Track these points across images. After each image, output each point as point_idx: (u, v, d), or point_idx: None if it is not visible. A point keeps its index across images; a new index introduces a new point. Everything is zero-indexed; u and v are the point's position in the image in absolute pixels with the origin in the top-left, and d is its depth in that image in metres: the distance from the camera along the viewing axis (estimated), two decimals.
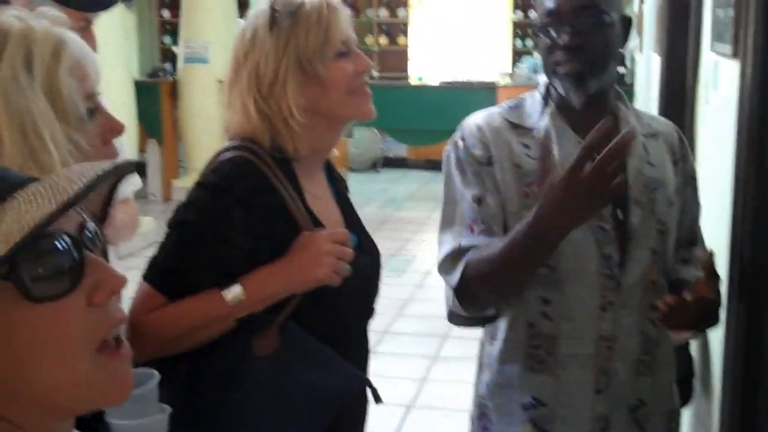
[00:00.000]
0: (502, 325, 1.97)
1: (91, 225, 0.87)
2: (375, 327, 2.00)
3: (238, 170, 1.68)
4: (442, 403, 4.60)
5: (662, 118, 2.18)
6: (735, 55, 2.37)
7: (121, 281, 0.84)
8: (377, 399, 1.81)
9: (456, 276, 1.86)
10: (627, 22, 1.95)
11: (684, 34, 3.66)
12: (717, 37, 2.76)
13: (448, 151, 1.99)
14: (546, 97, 1.99)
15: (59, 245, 0.81)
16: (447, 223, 1.95)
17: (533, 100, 2.01)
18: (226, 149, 1.73)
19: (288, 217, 1.69)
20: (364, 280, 1.82)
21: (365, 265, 1.84)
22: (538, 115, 1.97)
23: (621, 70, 9.31)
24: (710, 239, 2.14)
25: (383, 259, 2.01)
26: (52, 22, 1.33)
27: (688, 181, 2.05)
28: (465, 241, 1.88)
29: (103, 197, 0.94)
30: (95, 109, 1.36)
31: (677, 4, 3.91)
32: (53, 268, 0.80)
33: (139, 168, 0.93)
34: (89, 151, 1.30)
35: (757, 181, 2.12)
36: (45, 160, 1.23)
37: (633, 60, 8.97)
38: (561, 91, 1.93)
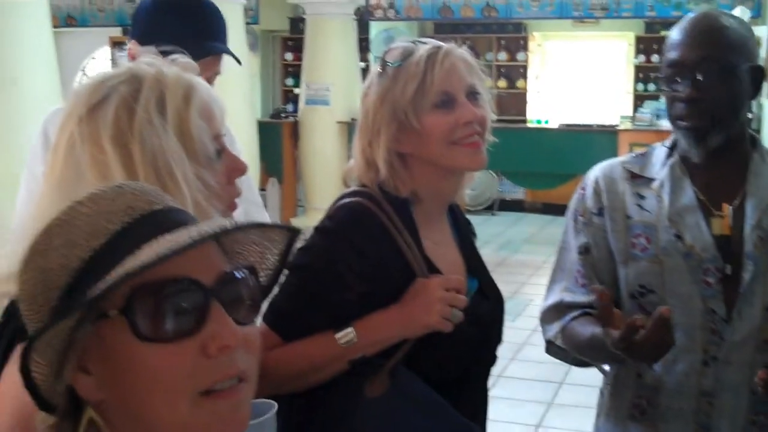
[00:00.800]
0: (611, 371, 2.01)
1: (235, 277, 0.89)
2: None
3: (354, 216, 1.71)
4: None
5: None
6: None
7: (237, 338, 0.86)
8: None
9: (551, 333, 1.98)
10: (758, 73, 1.88)
11: None
12: None
13: (573, 200, 2.04)
14: (672, 147, 1.95)
15: (179, 291, 0.84)
16: (557, 270, 2.04)
17: (660, 150, 1.98)
18: (345, 195, 1.76)
19: (403, 263, 1.71)
20: (483, 325, 1.81)
21: (485, 311, 1.83)
22: (660, 165, 1.94)
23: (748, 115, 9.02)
24: None
25: None
26: (182, 68, 1.39)
27: None
28: (568, 298, 1.96)
29: (274, 256, 0.99)
30: (221, 150, 1.40)
31: None
32: (169, 312, 0.84)
33: (292, 233, 0.98)
34: (216, 189, 1.34)
35: None
36: (177, 198, 1.25)
37: (760, 105, 8.69)
38: (683, 144, 1.91)
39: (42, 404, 0.88)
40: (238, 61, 2.43)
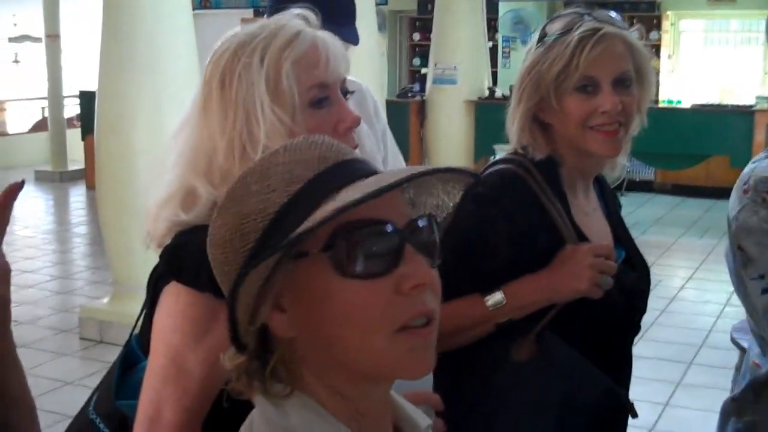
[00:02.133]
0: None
1: (423, 223, 0.96)
2: None
3: (505, 183, 1.74)
4: (684, 429, 4.45)
5: None
6: None
7: (429, 277, 0.93)
8: (633, 414, 1.80)
9: None
10: None
11: None
12: None
13: (751, 211, 1.77)
14: None
15: (378, 232, 0.91)
16: None
17: None
18: (497, 161, 1.80)
19: (552, 229, 1.73)
20: (629, 295, 1.81)
21: (632, 281, 1.83)
22: None
23: None
24: None
25: None
26: (303, 20, 1.48)
27: None
28: None
29: (454, 203, 1.05)
30: (326, 99, 1.46)
31: None
32: (367, 251, 0.90)
33: (473, 179, 1.02)
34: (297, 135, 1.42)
35: None
36: (256, 132, 1.40)
37: None
38: None
39: (237, 343, 0.95)
40: (355, 43, 2.47)
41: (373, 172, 0.96)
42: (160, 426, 1.35)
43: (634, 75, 1.77)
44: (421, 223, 0.95)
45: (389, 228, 0.91)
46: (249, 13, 12.29)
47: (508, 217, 1.70)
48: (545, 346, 1.69)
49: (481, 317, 1.69)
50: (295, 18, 1.49)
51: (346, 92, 1.52)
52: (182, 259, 1.40)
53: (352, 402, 0.97)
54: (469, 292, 1.69)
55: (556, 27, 1.75)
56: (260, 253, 0.91)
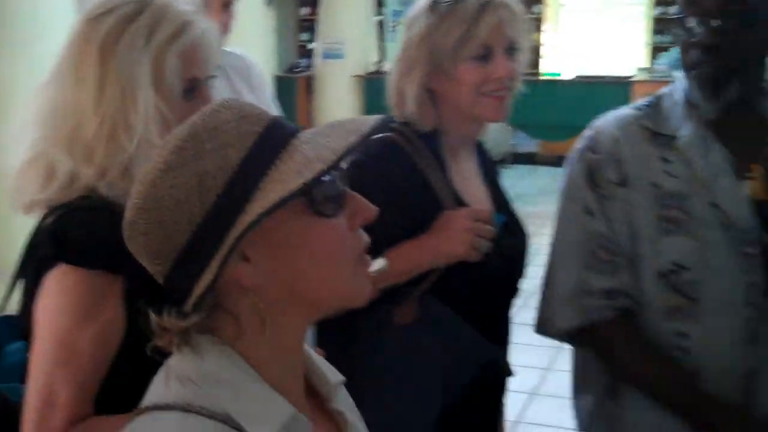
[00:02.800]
0: None
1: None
2: None
3: (384, 150, 1.78)
4: (566, 392, 4.60)
5: None
6: None
7: (373, 211, 1.05)
8: (509, 372, 1.90)
9: (567, 323, 1.77)
10: None
11: None
12: None
13: (575, 159, 1.80)
14: (688, 100, 1.74)
15: (332, 177, 1.01)
16: (569, 242, 1.78)
17: (672, 101, 1.77)
18: None
19: (431, 195, 1.79)
20: (508, 259, 1.89)
21: (510, 245, 1.90)
22: (679, 120, 1.73)
23: None
24: None
25: None
26: (191, 7, 1.50)
27: None
28: (591, 279, 1.72)
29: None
30: (194, 92, 1.49)
31: None
32: (330, 193, 1.00)
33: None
34: (172, 125, 1.42)
35: None
36: (131, 118, 1.41)
37: None
38: (695, 97, 1.71)
39: (196, 305, 0.97)
40: None
41: (298, 128, 1.04)
42: (56, 408, 1.36)
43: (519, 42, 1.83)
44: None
45: (338, 173, 1.02)
46: None
47: (387, 184, 1.73)
48: (427, 309, 1.75)
49: None
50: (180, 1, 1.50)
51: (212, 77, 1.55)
52: (68, 240, 1.40)
53: (280, 346, 1.02)
54: None
55: None
56: (227, 211, 0.94)
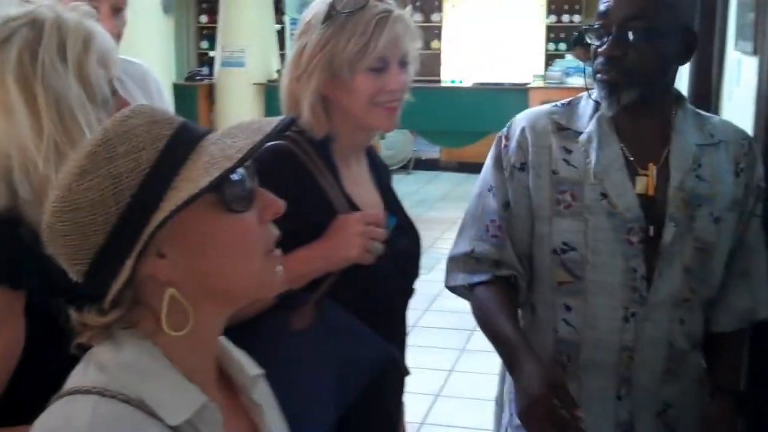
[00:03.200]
0: (527, 325, 1.98)
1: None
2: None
3: (277, 158, 1.78)
4: (469, 392, 4.72)
5: (733, 125, 2.01)
6: (755, 52, 2.49)
7: (281, 205, 1.12)
8: (406, 371, 1.92)
9: (455, 281, 1.98)
10: (691, 37, 1.84)
11: (711, 35, 3.75)
12: (740, 36, 2.88)
13: (493, 145, 2.00)
14: (598, 101, 1.90)
15: (242, 174, 1.07)
16: (470, 217, 2.00)
17: (587, 103, 1.95)
18: None
19: (324, 200, 1.81)
20: (402, 259, 1.92)
21: (403, 246, 1.94)
22: (587, 119, 1.91)
23: None
24: None
25: None
26: (81, 15, 1.50)
27: (752, 191, 1.92)
28: (478, 248, 1.94)
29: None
30: (114, 92, 1.52)
31: (706, 8, 3.99)
32: (239, 190, 1.07)
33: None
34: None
35: None
36: (78, 138, 1.39)
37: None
38: (596, 97, 1.89)
39: (114, 302, 1.04)
40: None
41: (207, 131, 1.09)
42: None
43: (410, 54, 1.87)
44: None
45: (246, 171, 1.09)
46: None
47: (279, 191, 1.73)
48: (324, 314, 1.78)
49: None
50: (66, 11, 1.49)
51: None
52: None
53: (195, 338, 1.07)
54: None
55: (344, 3, 1.80)
56: (141, 210, 1.00)
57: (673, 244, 1.83)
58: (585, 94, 1.96)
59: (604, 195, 1.84)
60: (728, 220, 1.88)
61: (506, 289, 1.94)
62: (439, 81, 11.97)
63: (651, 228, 1.83)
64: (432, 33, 12.98)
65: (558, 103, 1.99)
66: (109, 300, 1.03)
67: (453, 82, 11.56)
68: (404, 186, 10.64)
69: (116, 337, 1.05)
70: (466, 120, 10.03)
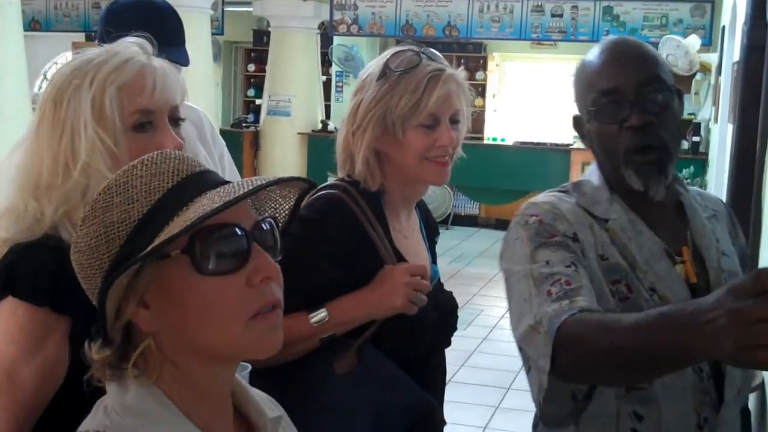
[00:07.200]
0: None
1: (267, 224, 1.10)
2: None
3: (329, 206, 1.86)
4: None
5: (710, 194, 1.93)
6: None
7: (275, 270, 1.07)
8: (443, 421, 1.95)
9: (541, 351, 1.48)
10: (680, 95, 1.72)
11: (756, 103, 3.75)
12: None
13: (514, 234, 1.69)
14: (611, 186, 1.71)
15: (230, 234, 1.04)
16: (519, 301, 1.59)
17: (593, 187, 1.74)
18: (323, 187, 1.91)
19: (372, 251, 1.86)
20: (442, 311, 1.97)
21: (445, 299, 1.99)
22: (606, 204, 1.70)
23: (695, 138, 9.35)
24: None
25: None
26: (140, 47, 1.59)
27: (746, 261, 1.83)
28: (546, 309, 1.50)
29: (290, 206, 1.20)
30: (149, 124, 1.56)
31: (750, 76, 4.00)
32: (221, 251, 1.04)
33: (309, 184, 1.17)
34: (118, 155, 1.51)
35: None
36: (79, 150, 1.49)
37: (708, 130, 9.00)
38: (635, 183, 1.65)
39: (105, 339, 1.06)
40: (186, 64, 2.55)
41: (222, 182, 1.09)
42: None
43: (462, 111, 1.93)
44: (265, 225, 1.10)
45: (239, 230, 1.05)
46: (80, 36, 12.00)
47: (330, 239, 1.82)
48: (366, 360, 1.82)
49: (307, 333, 1.79)
50: (131, 45, 1.58)
51: (177, 119, 1.62)
52: (18, 274, 1.46)
53: (198, 386, 1.09)
54: (295, 309, 1.77)
55: (399, 63, 1.88)
56: (126, 259, 1.02)
57: None
58: (582, 179, 1.77)
59: (654, 290, 1.62)
60: None
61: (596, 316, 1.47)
62: (482, 138, 12.04)
63: None
64: (476, 91, 13.10)
65: (560, 189, 1.77)
66: (100, 340, 1.06)
67: (495, 140, 11.62)
68: (443, 241, 10.58)
69: (124, 380, 1.07)
70: (507, 178, 10.07)
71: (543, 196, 1.75)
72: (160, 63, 1.59)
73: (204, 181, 1.08)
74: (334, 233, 1.83)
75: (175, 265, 1.03)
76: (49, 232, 1.49)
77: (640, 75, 1.64)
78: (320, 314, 1.79)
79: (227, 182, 1.09)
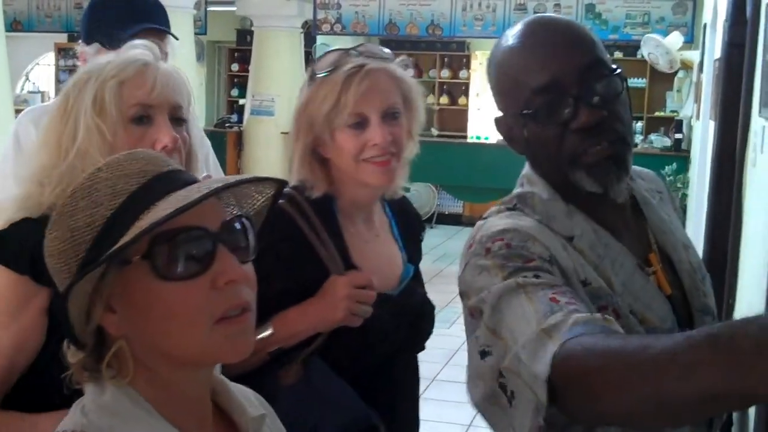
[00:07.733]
0: None
1: (236, 224, 1.08)
2: (424, 374, 2.07)
3: (272, 219, 1.80)
4: None
5: (646, 171, 1.66)
6: None
7: (240, 274, 1.05)
8: None
9: (541, 369, 1.16)
10: (625, 79, 1.43)
11: (737, 100, 3.78)
12: (766, 103, 2.90)
13: (473, 269, 1.38)
14: (566, 196, 1.44)
15: (192, 238, 1.02)
16: (513, 321, 1.26)
17: (543, 200, 1.46)
18: None
19: (317, 262, 1.82)
20: (411, 316, 1.92)
21: (415, 303, 1.94)
22: (565, 219, 1.43)
23: (678, 136, 9.40)
24: (756, 298, 2.17)
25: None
26: (143, 47, 1.66)
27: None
28: (552, 320, 1.19)
29: (263, 204, 1.19)
30: (147, 118, 1.61)
31: (731, 73, 4.03)
32: (183, 255, 1.02)
33: (280, 184, 1.16)
34: (114, 144, 1.56)
35: None
36: (78, 135, 1.56)
37: (690, 127, 9.05)
38: (589, 185, 1.39)
39: (76, 343, 1.07)
40: (175, 37, 2.57)
41: (190, 182, 1.07)
42: None
43: (402, 105, 1.85)
44: (237, 224, 1.08)
45: (202, 233, 1.03)
46: (63, 37, 11.94)
47: (273, 251, 1.74)
48: (310, 372, 1.79)
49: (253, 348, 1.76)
50: (139, 46, 1.66)
51: (180, 119, 1.64)
52: (5, 241, 1.54)
53: (171, 388, 1.08)
54: None
55: (323, 65, 1.81)
56: (90, 263, 1.01)
57: None
58: (519, 191, 1.50)
59: (633, 312, 1.39)
60: None
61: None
62: (465, 137, 12.06)
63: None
64: (459, 89, 13.12)
65: (507, 208, 1.50)
66: (74, 339, 1.07)
67: (479, 138, 11.63)
68: (427, 239, 10.58)
69: (101, 381, 1.08)
70: (490, 176, 10.06)
71: (493, 219, 1.45)
72: (165, 65, 1.65)
73: (172, 180, 1.06)
74: (276, 246, 1.76)
75: (137, 270, 1.02)
76: (46, 213, 1.52)
77: (579, 62, 1.35)
78: (265, 329, 1.75)
79: (196, 181, 1.08)
